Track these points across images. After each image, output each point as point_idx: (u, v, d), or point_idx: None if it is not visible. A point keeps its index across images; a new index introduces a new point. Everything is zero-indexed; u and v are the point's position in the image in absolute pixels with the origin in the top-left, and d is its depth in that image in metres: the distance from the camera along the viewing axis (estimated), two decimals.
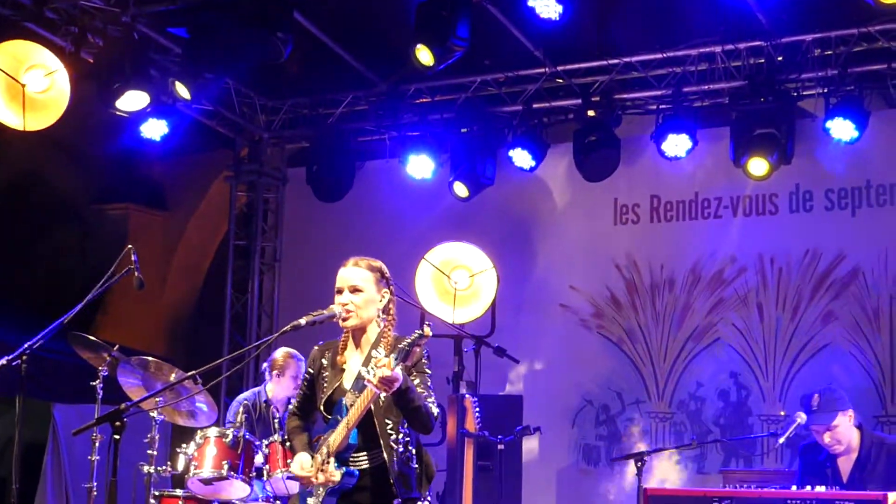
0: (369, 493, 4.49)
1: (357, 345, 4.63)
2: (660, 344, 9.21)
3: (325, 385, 4.62)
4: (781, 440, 6.13)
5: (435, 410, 4.47)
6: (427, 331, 4.28)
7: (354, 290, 4.56)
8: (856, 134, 8.17)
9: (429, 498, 4.61)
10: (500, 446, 6.70)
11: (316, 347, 4.75)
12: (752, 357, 8.85)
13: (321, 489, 4.47)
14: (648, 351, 9.24)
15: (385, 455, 4.45)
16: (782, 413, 8.17)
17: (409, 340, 4.27)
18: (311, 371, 4.71)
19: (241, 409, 7.50)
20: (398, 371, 4.26)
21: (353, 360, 4.61)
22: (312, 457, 4.56)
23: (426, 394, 4.50)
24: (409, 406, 4.38)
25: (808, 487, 5.57)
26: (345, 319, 4.56)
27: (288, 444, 4.74)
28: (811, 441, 6.18)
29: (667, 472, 8.92)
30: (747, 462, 8.62)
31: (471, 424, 6.74)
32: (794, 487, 5.73)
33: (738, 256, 9.00)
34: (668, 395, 9.13)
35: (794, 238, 8.83)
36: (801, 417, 6.09)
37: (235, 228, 10.83)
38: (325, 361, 4.68)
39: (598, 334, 9.46)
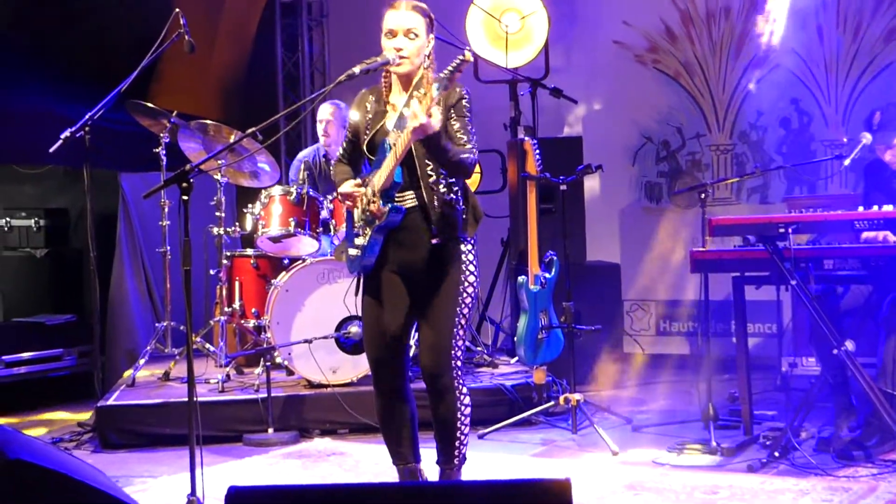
0: (412, 232, 4.50)
1: (402, 87, 4.58)
2: (718, 75, 9.06)
3: (369, 127, 4.60)
4: (846, 162, 6.04)
5: (470, 157, 4.42)
6: (468, 55, 4.18)
7: (409, 33, 4.47)
8: None
9: (472, 241, 4.63)
10: (563, 187, 6.68)
11: (362, 91, 4.71)
12: (812, 82, 8.68)
13: (367, 228, 4.49)
14: (707, 83, 9.09)
15: (425, 196, 4.46)
16: (845, 140, 8.04)
17: (450, 67, 4.18)
18: (357, 115, 4.67)
19: (302, 167, 7.56)
20: (434, 119, 4.22)
21: (398, 103, 4.57)
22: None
23: (465, 139, 4.46)
24: (441, 159, 4.38)
25: (876, 207, 5.53)
26: (398, 65, 4.48)
27: (336, 193, 4.75)
28: (877, 159, 6.11)
29: (730, 204, 8.93)
30: (812, 188, 8.59)
31: (531, 167, 6.70)
32: (860, 208, 5.70)
33: None
34: (729, 126, 9.03)
35: None
36: (867, 138, 5.99)
37: None
38: (368, 105, 4.64)
39: (655, 69, 9.29)
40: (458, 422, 4.63)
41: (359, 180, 4.58)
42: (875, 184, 6.17)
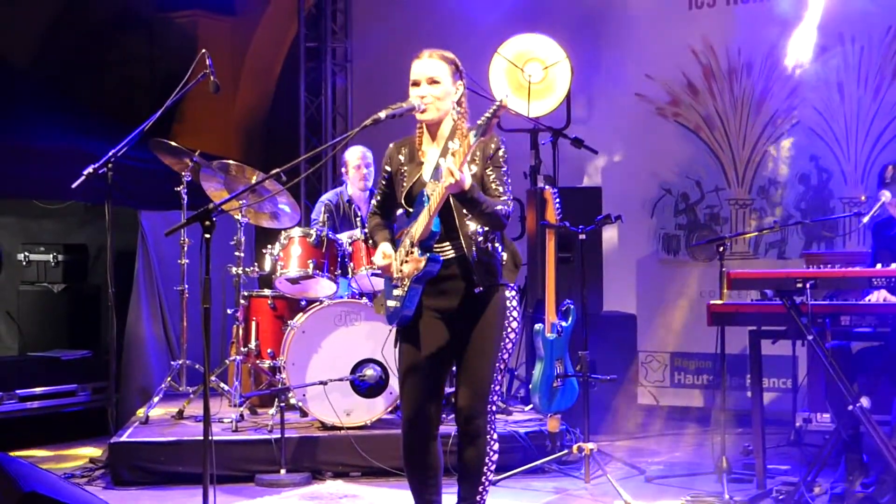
0: (454, 282, 4.52)
1: (433, 138, 4.63)
2: (738, 130, 9.09)
3: (405, 179, 4.62)
4: (865, 219, 6.05)
5: (504, 209, 4.44)
6: (504, 101, 4.20)
7: (432, 81, 4.52)
8: None
9: (513, 287, 4.66)
10: (581, 237, 6.70)
11: (392, 145, 4.75)
12: (832, 140, 8.70)
13: (406, 279, 4.49)
14: (727, 137, 9.12)
15: (464, 245, 4.48)
16: (864, 198, 8.05)
17: (487, 114, 4.19)
18: (389, 168, 4.72)
19: (323, 209, 7.62)
20: (466, 175, 4.26)
21: (430, 153, 4.62)
22: (395, 249, 4.61)
23: (501, 189, 4.50)
24: (475, 212, 4.40)
25: (894, 265, 5.54)
26: (423, 112, 4.53)
27: (370, 241, 4.78)
28: (886, 218, 6.12)
29: (748, 258, 8.92)
30: (829, 244, 8.59)
31: (551, 216, 6.73)
32: (878, 265, 5.70)
33: (818, 37, 8.72)
34: (748, 181, 9.05)
35: (876, 15, 8.51)
36: (886, 196, 6.00)
37: (305, 30, 10.74)
38: (402, 157, 4.68)
39: (675, 122, 9.33)
40: (485, 466, 4.63)
41: (389, 250, 4.61)
42: (881, 241, 6.19)
